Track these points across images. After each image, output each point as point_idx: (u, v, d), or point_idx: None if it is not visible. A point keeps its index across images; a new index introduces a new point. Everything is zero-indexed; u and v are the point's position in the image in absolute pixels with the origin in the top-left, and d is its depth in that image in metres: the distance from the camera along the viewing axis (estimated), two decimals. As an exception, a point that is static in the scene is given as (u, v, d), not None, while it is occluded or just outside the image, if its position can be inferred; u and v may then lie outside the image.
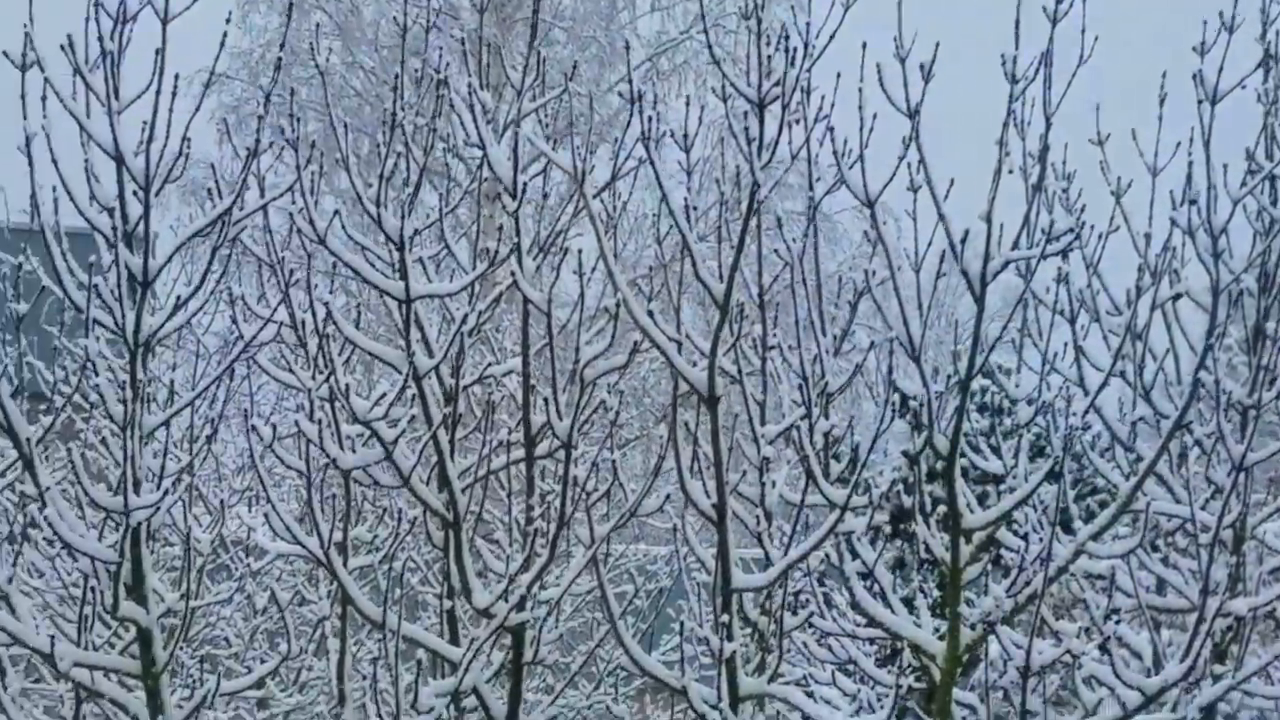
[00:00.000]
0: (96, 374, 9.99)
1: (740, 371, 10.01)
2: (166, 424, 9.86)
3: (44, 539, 10.87)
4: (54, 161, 9.04)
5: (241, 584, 11.97)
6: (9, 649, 9.97)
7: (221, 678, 10.33)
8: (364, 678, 9.72)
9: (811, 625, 10.46)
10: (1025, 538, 10.09)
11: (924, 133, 9.43)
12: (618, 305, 9.94)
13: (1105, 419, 10.65)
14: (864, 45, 9.21)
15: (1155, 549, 10.35)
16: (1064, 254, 9.85)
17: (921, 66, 9.30)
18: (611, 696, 13.77)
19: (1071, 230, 9.82)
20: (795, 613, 10.30)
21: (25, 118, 8.86)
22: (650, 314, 9.80)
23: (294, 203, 9.89)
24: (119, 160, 9.25)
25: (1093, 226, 10.09)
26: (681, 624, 10.06)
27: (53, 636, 9.49)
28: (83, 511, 10.10)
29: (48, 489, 9.56)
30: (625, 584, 12.83)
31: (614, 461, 10.16)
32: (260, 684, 11.85)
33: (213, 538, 11.70)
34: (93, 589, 9.81)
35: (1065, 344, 10.46)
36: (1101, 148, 10.30)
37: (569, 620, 13.93)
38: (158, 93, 9.08)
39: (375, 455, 9.93)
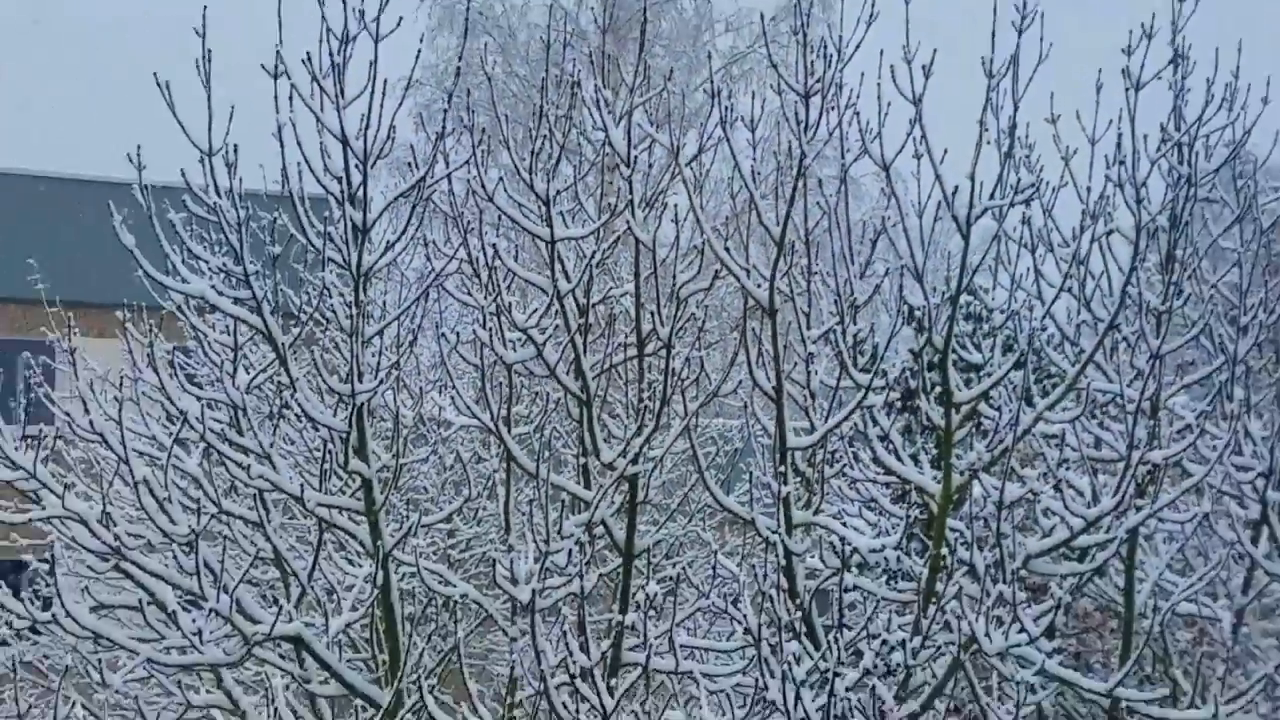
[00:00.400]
0: (330, 297, 10.13)
1: (792, 291, 10.04)
2: (380, 333, 9.96)
3: (295, 415, 11.01)
4: (298, 144, 9.15)
5: (434, 448, 12.05)
6: (271, 494, 10.11)
7: (421, 515, 10.50)
8: (523, 514, 9.80)
9: (844, 474, 10.52)
10: (999, 409, 10.13)
11: (925, 115, 9.46)
12: (704, 244, 9.98)
13: (1057, 323, 10.67)
14: (880, 53, 9.30)
15: (1094, 416, 10.34)
16: (1027, 203, 9.87)
17: (923, 67, 9.36)
18: (700, 527, 13.90)
19: (1033, 185, 9.84)
20: (832, 465, 10.35)
21: (277, 112, 8.98)
22: (727, 250, 9.86)
23: (469, 173, 9.96)
24: (344, 142, 9.35)
25: (1048, 182, 10.09)
26: (750, 474, 10.13)
27: (302, 485, 9.65)
28: (322, 396, 10.23)
29: (297, 379, 9.70)
30: (709, 446, 12.90)
31: (701, 358, 10.24)
32: (449, 519, 12.00)
33: (414, 414, 11.81)
34: (330, 451, 9.94)
35: (1028, 268, 10.48)
36: (1054, 124, 10.27)
37: (669, 472, 14.03)
38: (371, 94, 9.19)
39: (529, 353, 10.02)
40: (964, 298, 9.93)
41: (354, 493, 10.12)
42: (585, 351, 10.04)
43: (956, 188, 9.44)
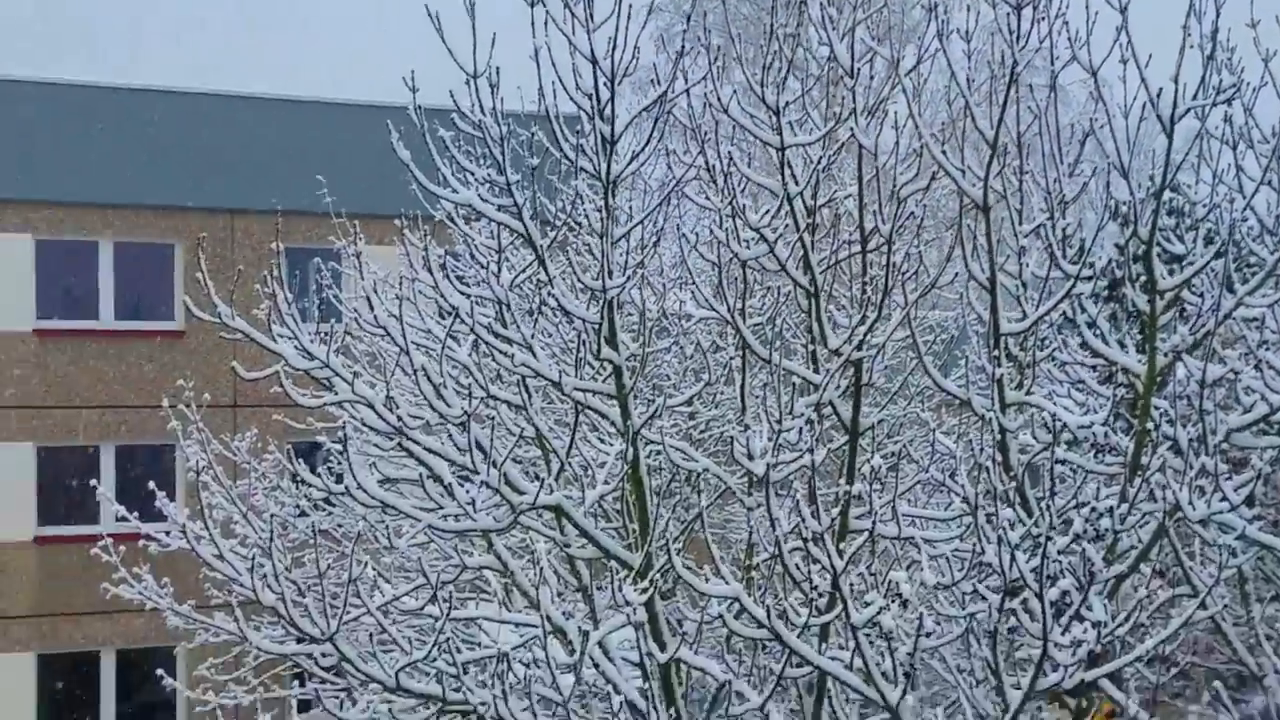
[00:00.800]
0: (582, 204, 10.30)
1: (1004, 190, 9.95)
2: (627, 235, 10.10)
3: (552, 310, 11.24)
4: (553, 66, 9.31)
5: (676, 339, 12.20)
6: (532, 380, 10.36)
7: (666, 398, 10.68)
8: (757, 397, 9.92)
9: (1054, 358, 10.44)
10: (1201, 296, 9.94)
11: (1130, 22, 9.27)
12: (922, 148, 9.94)
13: (1257, 214, 10.39)
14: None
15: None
16: (1228, 102, 9.63)
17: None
18: (920, 408, 13.87)
19: (1233, 86, 9.58)
20: (1043, 349, 10.28)
21: (534, 37, 9.13)
22: (944, 153, 9.80)
23: (706, 88, 10.03)
24: (594, 62, 9.46)
25: (1248, 83, 9.81)
26: (966, 359, 10.12)
27: (560, 371, 9.89)
28: (576, 293, 10.42)
29: (554, 277, 9.92)
30: (927, 335, 12.86)
31: (919, 252, 10.21)
32: (689, 402, 12.17)
33: (657, 308, 11.96)
34: (583, 341, 10.15)
35: (1229, 164, 10.21)
36: (1254, 29, 9.96)
37: (891, 358, 14.01)
38: (617, 18, 9.28)
39: (762, 250, 10.10)
40: (1167, 193, 9.75)
41: (605, 379, 10.33)
42: (813, 248, 10.09)
43: (1160, 90, 9.25)
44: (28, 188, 25.30)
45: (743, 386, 10.39)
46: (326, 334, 9.81)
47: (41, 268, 25.68)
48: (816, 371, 10.32)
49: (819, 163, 10.07)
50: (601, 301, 9.70)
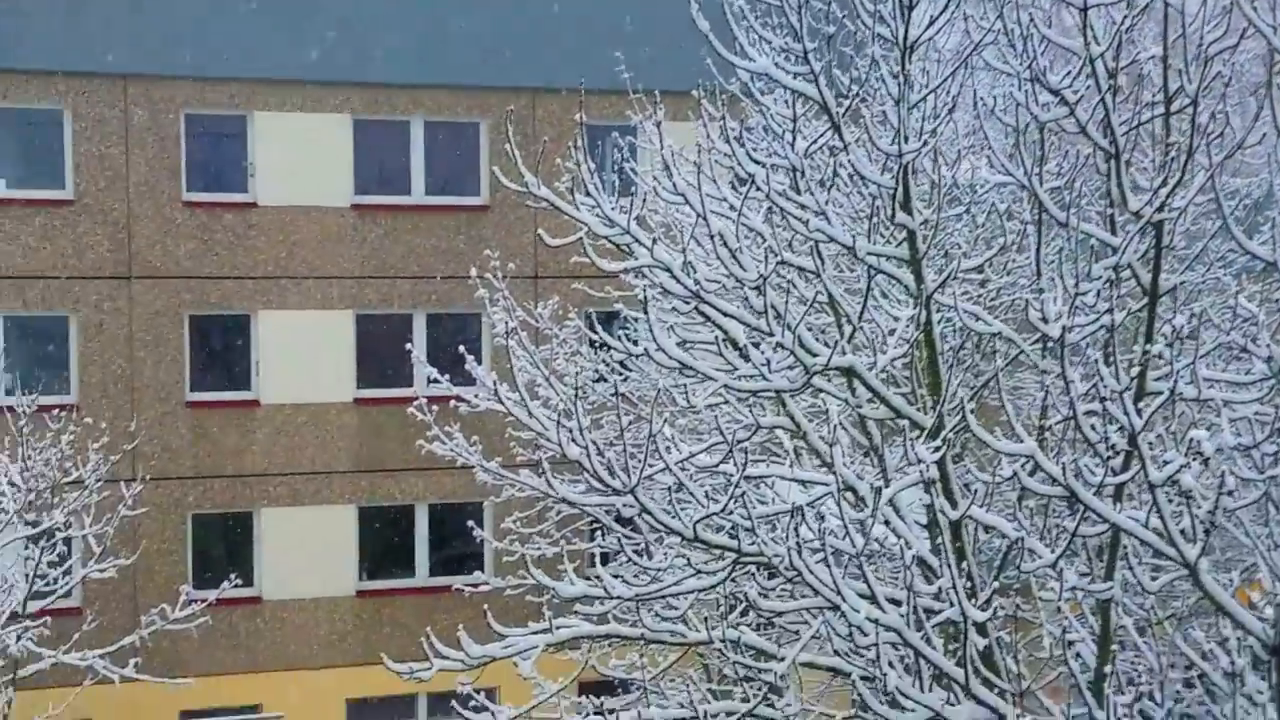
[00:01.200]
0: (879, 70, 10.06)
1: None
2: (923, 99, 9.89)
3: (845, 178, 11.11)
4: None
5: (968, 206, 11.95)
6: (826, 245, 10.27)
7: (959, 262, 10.47)
8: (1050, 262, 9.64)
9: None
10: None
11: None
12: (1231, 5, 9.40)
13: None
14: None
15: None
16: None
17: None
18: (1220, 273, 13.20)
19: None
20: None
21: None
22: (1254, 8, 9.25)
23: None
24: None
25: None
26: (1274, 222, 9.60)
27: (854, 236, 9.78)
28: (870, 159, 10.26)
29: (848, 144, 9.78)
30: (1229, 200, 12.20)
31: (1226, 112, 9.70)
32: (980, 269, 11.89)
33: (951, 175, 11.71)
34: (877, 208, 10.02)
35: None
36: None
37: (1191, 224, 13.40)
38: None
39: (1061, 113, 9.74)
40: None
41: (899, 244, 10.18)
42: (1114, 110, 9.68)
43: None
44: (347, 71, 26.04)
45: (1038, 251, 10.08)
46: (626, 204, 9.88)
47: (359, 146, 26.47)
48: (1113, 234, 9.95)
49: (1122, 23, 9.61)
50: (898, 166, 9.52)
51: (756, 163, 10.05)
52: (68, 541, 16.72)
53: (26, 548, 15.95)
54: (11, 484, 15.70)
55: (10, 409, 16.71)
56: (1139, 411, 7.95)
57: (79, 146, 24.94)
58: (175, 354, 25.43)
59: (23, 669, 15.59)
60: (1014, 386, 15.93)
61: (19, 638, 15.21)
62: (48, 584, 15.91)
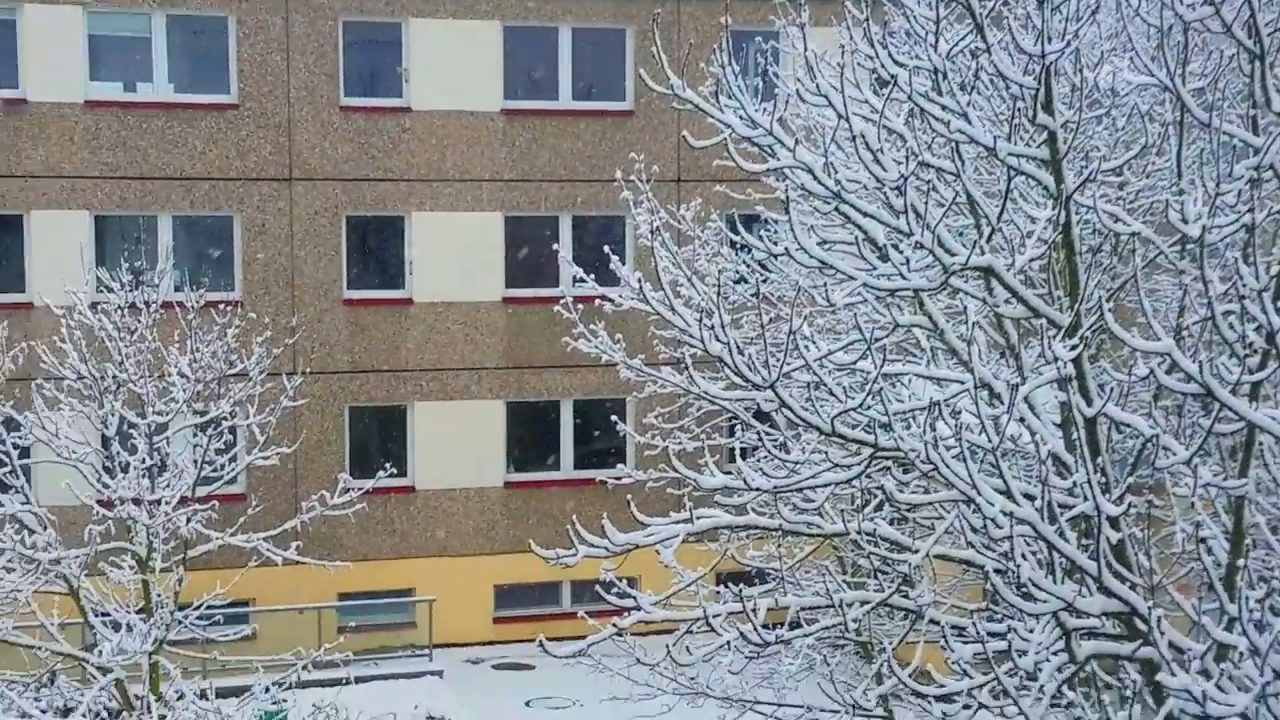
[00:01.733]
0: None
1: None
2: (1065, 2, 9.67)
3: (986, 81, 10.90)
4: None
5: (1108, 109, 11.68)
6: (966, 145, 10.11)
7: (1100, 161, 10.25)
8: (1190, 164, 9.41)
9: None
10: None
11: None
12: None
13: None
14: None
15: None
16: None
17: None
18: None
19: None
20: None
21: None
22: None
23: None
24: None
25: None
26: None
27: (995, 137, 9.62)
28: (1012, 61, 10.08)
29: (991, 46, 9.59)
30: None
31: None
32: (1118, 171, 11.64)
33: (1092, 77, 11.42)
34: (1019, 108, 9.83)
35: None
36: None
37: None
38: None
39: (1207, 12, 9.43)
40: None
41: (1039, 145, 10.01)
42: (1260, 9, 9.37)
43: None
44: (498, -23, 26.15)
45: (1179, 152, 9.84)
46: (768, 105, 9.84)
47: (508, 53, 26.57)
48: (1256, 134, 9.67)
49: (1270, -79, 9.29)
50: (1040, 67, 9.34)
51: (899, 65, 9.92)
52: (233, 430, 17.16)
53: (195, 436, 16.41)
54: (181, 375, 16.13)
55: (180, 304, 17.13)
56: (1278, 310, 7.78)
57: (242, 53, 25.34)
58: (333, 253, 25.92)
59: (192, 550, 16.09)
60: (1150, 289, 15.66)
61: (189, 520, 15.68)
62: (215, 470, 16.35)
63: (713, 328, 9.42)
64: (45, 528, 15.04)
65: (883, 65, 9.73)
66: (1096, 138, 13.12)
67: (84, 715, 13.00)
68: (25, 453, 16.06)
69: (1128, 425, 8.96)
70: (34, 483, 16.37)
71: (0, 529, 14.86)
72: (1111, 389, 9.18)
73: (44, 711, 14.86)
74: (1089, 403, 9.19)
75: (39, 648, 15.25)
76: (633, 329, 13.95)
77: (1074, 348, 8.76)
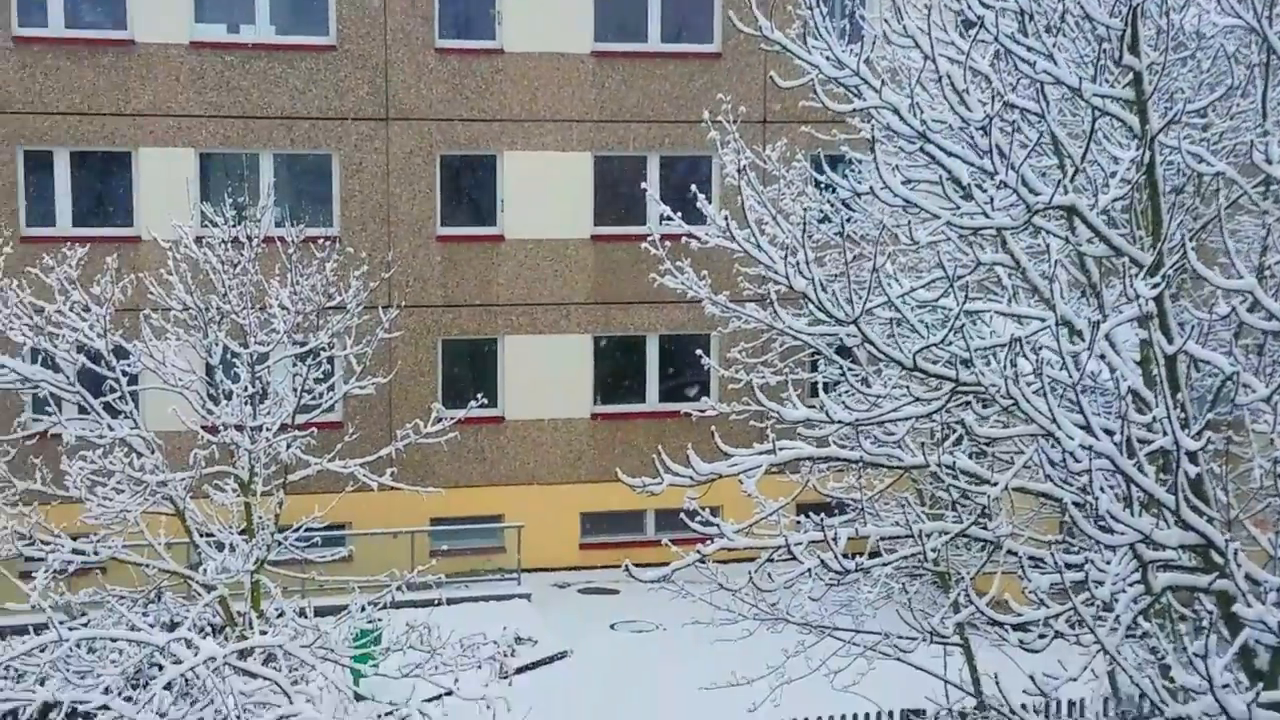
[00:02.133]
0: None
1: None
2: None
3: (1074, 21, 10.74)
4: None
5: (1193, 51, 11.43)
6: (1052, 86, 9.99)
7: (1185, 103, 10.08)
8: (1276, 106, 9.22)
9: None
10: None
11: None
12: None
13: None
14: None
15: None
16: None
17: None
18: None
19: None
20: None
21: None
22: None
23: None
24: None
25: None
26: None
27: (1080, 78, 9.48)
28: (1099, 2, 9.92)
29: None
30: None
31: None
32: (1203, 113, 11.44)
33: (1178, 19, 11.22)
34: (1105, 49, 9.68)
35: None
36: None
37: None
38: None
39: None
40: None
41: (1124, 86, 9.87)
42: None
43: None
44: (586, -77, 26.04)
45: (1264, 94, 9.66)
46: (856, 48, 9.77)
47: (600, -6, 26.54)
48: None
49: None
50: (1126, 8, 9.19)
51: (985, 6, 9.81)
52: (331, 361, 17.39)
53: (295, 365, 16.64)
54: (282, 307, 16.35)
55: (281, 239, 17.34)
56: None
57: (340, -5, 25.47)
58: (427, 191, 26.09)
59: (292, 474, 16.37)
60: (1232, 230, 15.41)
61: (289, 446, 15.94)
62: (314, 399, 16.59)
63: (797, 264, 9.41)
64: (153, 451, 15.36)
65: (969, 6, 9.63)
66: (1181, 80, 12.87)
67: (189, 629, 13.34)
68: (134, 380, 16.37)
69: (1207, 363, 8.86)
70: (142, 409, 16.71)
71: (111, 452, 15.20)
72: (1192, 327, 9.08)
73: (152, 626, 15.23)
74: (1170, 340, 9.10)
75: (147, 565, 15.63)
76: (718, 266, 13.95)
77: (1155, 286, 8.67)
